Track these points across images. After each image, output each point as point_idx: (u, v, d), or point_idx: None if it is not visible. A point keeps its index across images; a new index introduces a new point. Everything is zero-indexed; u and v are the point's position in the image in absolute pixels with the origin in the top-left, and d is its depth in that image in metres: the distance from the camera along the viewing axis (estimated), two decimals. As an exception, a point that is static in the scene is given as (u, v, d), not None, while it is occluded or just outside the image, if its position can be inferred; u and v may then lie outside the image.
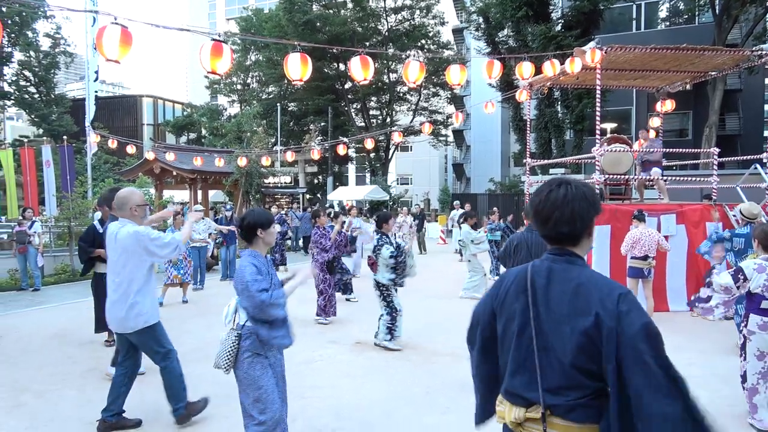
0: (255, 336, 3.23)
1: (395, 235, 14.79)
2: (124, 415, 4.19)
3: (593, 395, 1.64)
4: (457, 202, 19.80)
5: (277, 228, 14.77)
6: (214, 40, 5.61)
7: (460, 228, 10.89)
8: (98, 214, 9.70)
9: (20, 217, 11.59)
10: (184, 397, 4.22)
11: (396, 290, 6.57)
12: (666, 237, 8.24)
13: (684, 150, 11.79)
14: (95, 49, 13.17)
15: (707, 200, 10.35)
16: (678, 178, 11.49)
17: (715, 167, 9.82)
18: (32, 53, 34.29)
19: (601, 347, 1.59)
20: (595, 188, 1.75)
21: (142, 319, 4.04)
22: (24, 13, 32.38)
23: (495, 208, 15.03)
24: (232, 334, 3.24)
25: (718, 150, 10.01)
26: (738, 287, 4.23)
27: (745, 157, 11.01)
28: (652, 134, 11.22)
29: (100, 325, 6.45)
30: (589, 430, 1.64)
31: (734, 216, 8.90)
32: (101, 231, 6.09)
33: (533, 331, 1.71)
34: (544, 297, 1.72)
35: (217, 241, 12.31)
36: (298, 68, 6.36)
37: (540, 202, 1.76)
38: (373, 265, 6.55)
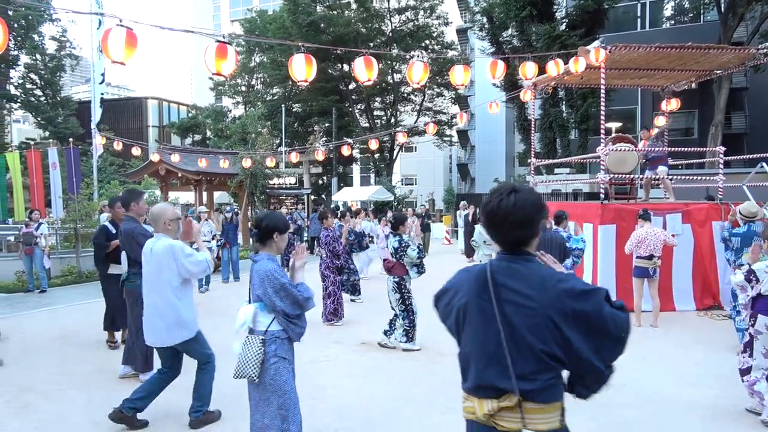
0: (280, 339, 3.18)
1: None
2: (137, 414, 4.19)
3: (559, 376, 1.84)
4: (463, 203, 19.78)
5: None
6: (218, 41, 5.63)
7: (473, 228, 10.76)
8: (104, 216, 9.77)
9: (27, 219, 11.66)
10: (208, 402, 4.26)
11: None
12: (672, 236, 8.21)
13: (690, 149, 11.73)
14: (101, 51, 13.27)
15: (710, 200, 10.30)
16: (684, 177, 11.45)
17: (721, 166, 9.77)
18: (38, 56, 34.55)
19: (567, 334, 1.75)
20: (540, 194, 1.86)
21: (186, 332, 4.09)
22: (30, 17, 32.62)
23: None
24: (255, 340, 3.13)
25: (723, 149, 9.96)
26: (751, 287, 4.26)
27: (751, 156, 10.95)
28: (658, 127, 11.19)
29: (109, 324, 6.52)
30: (554, 409, 1.81)
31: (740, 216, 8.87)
32: (114, 232, 6.21)
33: (500, 325, 1.82)
34: (509, 293, 1.83)
35: (219, 243, 12.34)
36: (302, 69, 6.37)
37: (492, 209, 1.88)
38: (392, 268, 6.51)
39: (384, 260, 6.69)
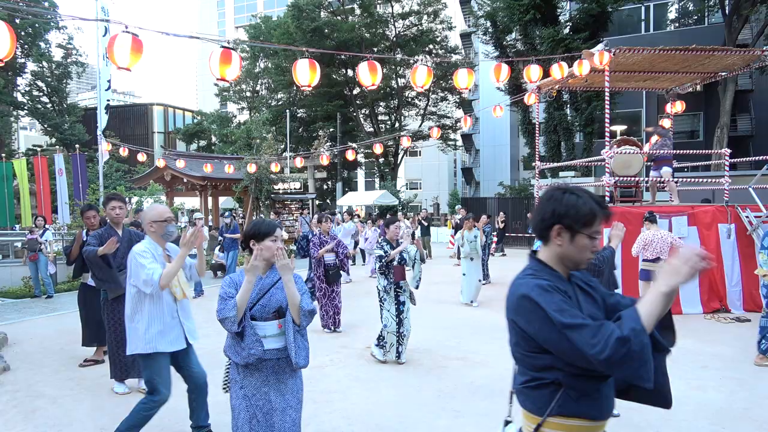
0: (233, 361, 3.03)
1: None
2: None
3: (533, 383, 1.76)
4: (458, 206, 19.79)
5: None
6: (223, 47, 5.67)
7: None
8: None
9: (33, 225, 11.75)
10: None
11: (395, 302, 6.10)
12: (678, 239, 8.17)
13: (695, 151, 11.69)
14: (107, 58, 13.35)
15: (706, 203, 10.25)
16: (689, 180, 11.41)
17: (727, 168, 9.73)
18: (45, 64, 34.85)
19: (516, 340, 1.79)
20: (584, 199, 1.76)
21: (132, 346, 3.79)
22: (37, 25, 32.90)
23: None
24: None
25: (729, 151, 9.92)
26: None
27: (757, 158, 10.91)
28: (667, 123, 11.18)
29: (87, 338, 6.28)
30: (531, 420, 1.78)
31: (746, 217, 8.83)
32: (84, 239, 5.89)
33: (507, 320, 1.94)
34: None
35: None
36: (306, 74, 6.41)
37: None
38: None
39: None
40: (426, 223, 18.33)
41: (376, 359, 6.17)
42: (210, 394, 4.08)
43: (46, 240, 11.09)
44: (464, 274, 9.70)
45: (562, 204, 1.77)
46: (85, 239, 5.92)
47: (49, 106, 36.20)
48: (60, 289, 11.69)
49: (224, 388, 3.17)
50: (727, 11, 22.23)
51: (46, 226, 11.75)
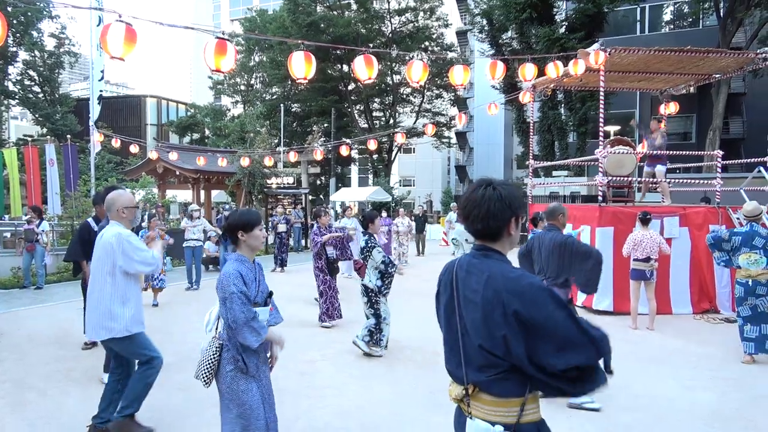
0: (238, 346, 2.98)
1: (398, 235, 14.73)
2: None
3: (509, 370, 1.80)
4: (453, 204, 19.80)
5: (281, 228, 14.39)
6: (218, 38, 5.62)
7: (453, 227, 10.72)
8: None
9: (29, 216, 11.63)
10: (135, 406, 3.91)
11: (385, 297, 6.23)
12: (669, 240, 8.20)
13: (688, 152, 11.75)
14: (100, 48, 13.22)
15: (705, 203, 10.30)
16: (681, 181, 11.46)
17: (719, 170, 9.78)
18: (37, 53, 34.53)
19: (504, 333, 1.76)
20: (519, 190, 1.85)
21: (115, 330, 3.79)
22: (29, 13, 32.56)
23: None
24: (214, 344, 3.02)
25: (722, 153, 9.98)
26: None
27: (748, 161, 10.98)
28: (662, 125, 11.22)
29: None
30: (510, 404, 1.82)
31: (737, 219, 8.89)
32: (96, 229, 5.88)
33: (458, 317, 1.94)
34: (463, 287, 1.93)
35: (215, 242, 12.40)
36: (302, 67, 6.37)
37: (464, 201, 1.97)
38: (360, 269, 6.22)
39: (354, 261, 6.49)
40: (422, 221, 18.36)
41: (377, 356, 6.11)
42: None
43: (42, 231, 10.99)
44: None
45: (514, 197, 1.90)
46: (96, 229, 5.96)
47: (40, 95, 35.87)
48: (50, 280, 11.58)
49: (207, 383, 3.03)
50: (721, 14, 22.35)
51: (43, 216, 11.65)
